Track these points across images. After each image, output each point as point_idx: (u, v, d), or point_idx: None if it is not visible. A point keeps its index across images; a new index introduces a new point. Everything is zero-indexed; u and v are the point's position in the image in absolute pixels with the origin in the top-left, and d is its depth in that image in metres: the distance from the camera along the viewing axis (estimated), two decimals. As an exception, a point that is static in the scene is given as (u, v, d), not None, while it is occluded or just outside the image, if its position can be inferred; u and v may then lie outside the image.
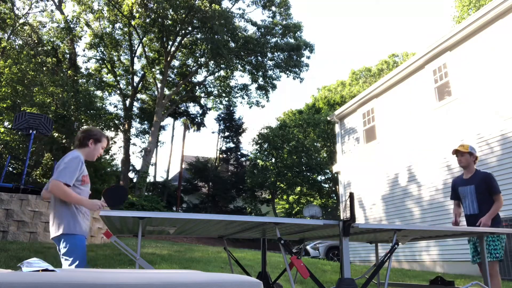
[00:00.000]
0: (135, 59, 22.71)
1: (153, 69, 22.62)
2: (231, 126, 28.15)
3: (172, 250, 8.64)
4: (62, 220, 2.73)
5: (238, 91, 24.64)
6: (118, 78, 23.23)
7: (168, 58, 21.19)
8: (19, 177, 12.71)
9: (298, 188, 25.71)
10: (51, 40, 20.02)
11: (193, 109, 28.98)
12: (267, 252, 4.55)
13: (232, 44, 21.12)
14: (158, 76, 22.87)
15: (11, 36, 18.92)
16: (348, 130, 14.37)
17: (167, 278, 1.18)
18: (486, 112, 8.89)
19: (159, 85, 21.61)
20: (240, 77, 77.74)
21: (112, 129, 18.95)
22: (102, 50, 22.09)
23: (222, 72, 23.85)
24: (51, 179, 2.74)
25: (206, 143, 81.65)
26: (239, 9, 24.42)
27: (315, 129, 24.94)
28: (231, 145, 28.28)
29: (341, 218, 3.18)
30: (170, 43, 21.05)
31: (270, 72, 23.00)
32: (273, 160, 24.86)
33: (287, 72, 22.46)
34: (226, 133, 28.40)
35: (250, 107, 25.34)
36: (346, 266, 2.88)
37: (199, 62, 22.90)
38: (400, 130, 11.61)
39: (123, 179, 20.02)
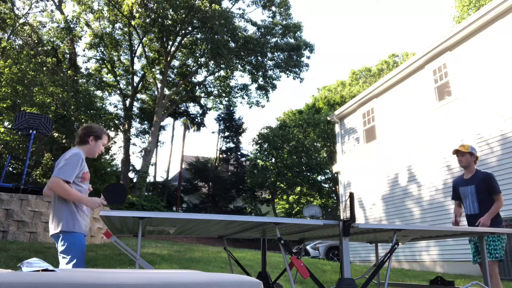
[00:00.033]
0: (135, 59, 22.73)
1: (153, 69, 22.62)
2: (231, 126, 28.15)
3: (172, 250, 8.64)
4: (61, 217, 2.72)
5: (238, 91, 24.65)
6: (118, 78, 23.23)
7: (168, 58, 21.19)
8: (19, 177, 12.72)
9: (298, 188, 25.70)
10: (51, 40, 20.02)
11: (193, 109, 29.03)
12: (267, 252, 4.54)
13: (232, 44, 21.12)
14: (158, 76, 22.88)
15: (11, 36, 18.92)
16: (348, 130, 14.37)
17: (167, 278, 1.18)
18: (486, 112, 8.88)
19: (159, 85, 21.61)
20: (240, 77, 77.86)
21: (112, 129, 18.95)
22: (102, 50, 22.09)
23: (222, 72, 23.85)
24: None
25: (206, 143, 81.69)
26: (239, 9, 24.44)
27: (315, 129, 24.93)
28: (231, 145, 28.31)
29: (341, 218, 3.17)
30: (170, 43, 21.05)
31: (270, 72, 23.01)
32: (273, 160, 24.86)
33: (287, 72, 22.46)
34: (226, 133, 28.42)
35: (250, 107, 25.37)
36: (346, 266, 2.88)
37: (199, 62, 22.90)
38: (400, 130, 11.61)
39: (123, 179, 20.01)
